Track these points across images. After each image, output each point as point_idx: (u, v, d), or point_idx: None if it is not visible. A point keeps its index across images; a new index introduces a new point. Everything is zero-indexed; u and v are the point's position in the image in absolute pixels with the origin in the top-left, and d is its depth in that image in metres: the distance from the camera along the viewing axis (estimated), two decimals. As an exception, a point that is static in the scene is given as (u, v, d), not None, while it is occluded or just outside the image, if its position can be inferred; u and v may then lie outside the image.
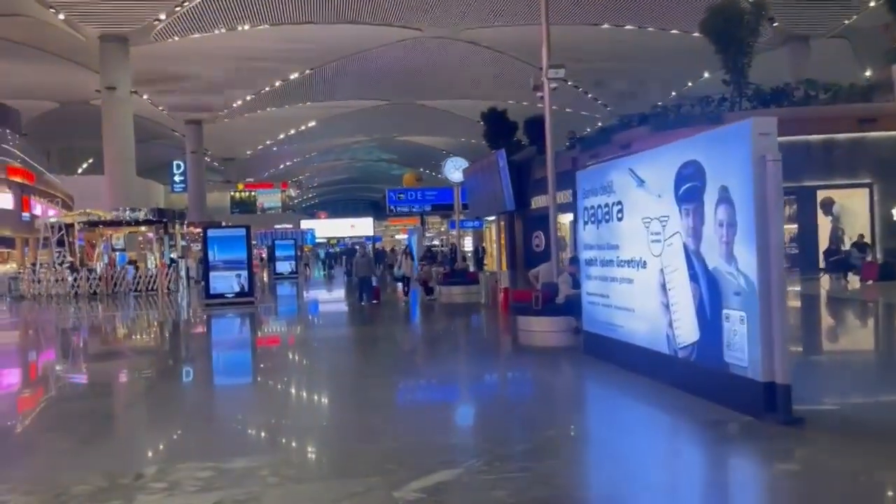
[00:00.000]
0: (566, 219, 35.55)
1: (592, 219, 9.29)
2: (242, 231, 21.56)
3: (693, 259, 6.83)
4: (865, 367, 9.52)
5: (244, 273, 21.11)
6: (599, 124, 37.30)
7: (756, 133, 5.87)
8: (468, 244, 37.74)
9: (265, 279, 38.26)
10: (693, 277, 6.85)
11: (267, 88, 43.10)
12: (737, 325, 6.14)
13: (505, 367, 10.86)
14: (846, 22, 31.69)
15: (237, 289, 21.01)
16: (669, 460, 5.78)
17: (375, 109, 49.28)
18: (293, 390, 9.54)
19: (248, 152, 63.18)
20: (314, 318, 19.24)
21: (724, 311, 6.33)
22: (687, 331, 6.99)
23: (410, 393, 8.99)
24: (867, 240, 21.51)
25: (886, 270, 19.99)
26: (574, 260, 13.61)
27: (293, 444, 6.54)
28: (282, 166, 70.50)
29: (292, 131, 55.55)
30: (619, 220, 8.46)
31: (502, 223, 26.15)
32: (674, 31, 33.28)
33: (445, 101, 46.28)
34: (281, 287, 32.45)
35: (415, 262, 24.50)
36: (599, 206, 9.01)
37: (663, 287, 7.45)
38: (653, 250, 7.67)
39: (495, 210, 17.11)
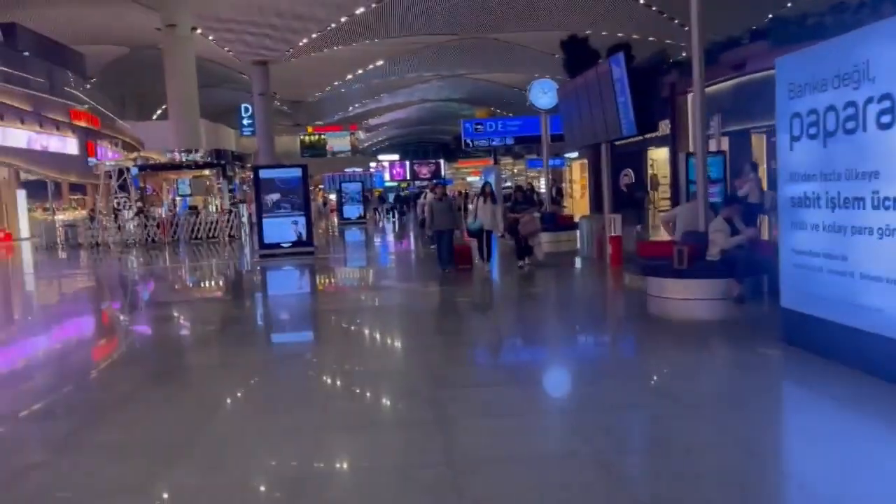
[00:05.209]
0: (658, 154, 31.57)
1: (812, 131, 5.77)
2: (298, 171, 18.55)
3: None
4: None
5: (301, 219, 18.27)
6: (683, 54, 32.77)
7: None
8: (542, 186, 33.89)
9: (334, 224, 36.25)
10: None
11: (332, 25, 39.76)
12: None
13: (665, 368, 6.45)
14: None
15: (294, 237, 18.25)
16: None
17: (444, 45, 45.54)
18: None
19: (317, 94, 60.62)
20: (382, 288, 13.45)
21: None
22: None
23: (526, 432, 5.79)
24: None
25: None
26: (731, 198, 10.00)
27: None
28: (350, 109, 67.80)
29: (360, 71, 52.45)
30: (883, 127, 4.98)
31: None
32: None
33: (518, 34, 42.03)
34: (348, 234, 29.70)
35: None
36: (831, 109, 5.48)
37: None
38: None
39: (603, 138, 13.10)
